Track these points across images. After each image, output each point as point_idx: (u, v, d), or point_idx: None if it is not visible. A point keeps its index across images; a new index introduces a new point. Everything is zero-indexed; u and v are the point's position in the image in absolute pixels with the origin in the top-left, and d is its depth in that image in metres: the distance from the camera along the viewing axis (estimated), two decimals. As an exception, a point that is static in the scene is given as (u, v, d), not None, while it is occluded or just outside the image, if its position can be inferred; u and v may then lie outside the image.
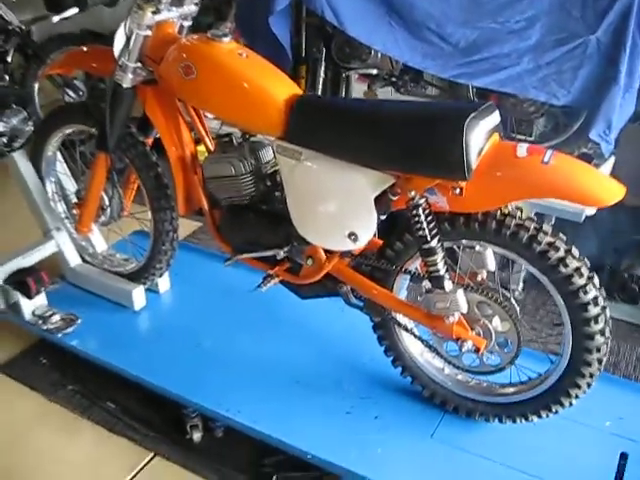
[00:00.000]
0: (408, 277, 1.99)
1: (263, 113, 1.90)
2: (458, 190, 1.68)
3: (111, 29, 5.11)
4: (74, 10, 1.74)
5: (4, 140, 3.52)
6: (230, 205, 2.14)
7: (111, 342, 2.47)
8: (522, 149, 1.64)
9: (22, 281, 2.51)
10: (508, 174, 1.64)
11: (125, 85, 2.12)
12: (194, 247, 3.12)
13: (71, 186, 2.75)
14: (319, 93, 4.14)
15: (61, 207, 2.77)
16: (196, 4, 2.12)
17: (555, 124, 3.16)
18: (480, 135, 1.61)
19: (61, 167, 2.73)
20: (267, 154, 2.12)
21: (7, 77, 3.91)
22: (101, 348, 2.44)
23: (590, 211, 2.56)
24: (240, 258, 2.18)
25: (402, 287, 2.04)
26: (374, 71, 3.16)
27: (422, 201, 1.74)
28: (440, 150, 1.62)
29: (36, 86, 4.15)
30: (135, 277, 2.63)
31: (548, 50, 2.63)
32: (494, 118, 1.67)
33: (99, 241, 2.82)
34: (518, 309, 1.90)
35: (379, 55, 3.07)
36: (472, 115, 1.59)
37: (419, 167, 1.69)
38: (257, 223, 2.10)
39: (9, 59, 3.89)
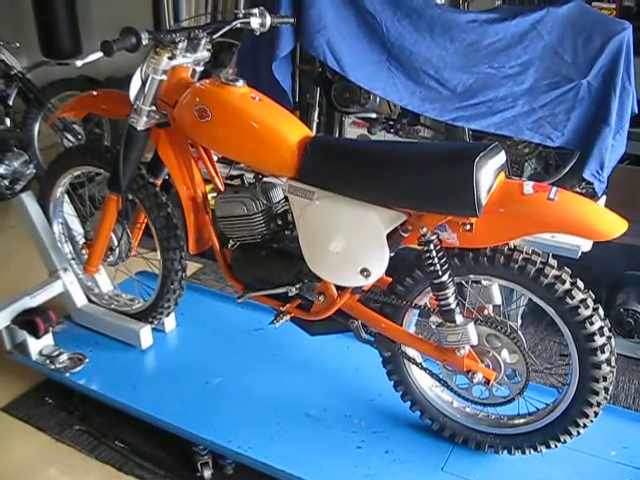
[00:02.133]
0: (417, 312, 2.04)
1: (277, 154, 1.97)
2: (468, 226, 1.75)
3: (106, 75, 5.24)
4: (98, 55, 1.80)
5: (6, 183, 3.58)
6: (241, 244, 2.20)
7: (119, 381, 2.48)
8: (528, 186, 1.72)
9: (30, 321, 2.53)
10: (516, 210, 1.72)
11: (139, 128, 2.19)
12: (199, 287, 3.16)
13: (78, 227, 2.79)
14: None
15: (68, 248, 2.80)
16: (209, 50, 2.20)
17: (546, 164, 3.26)
18: (489, 173, 1.69)
19: (68, 208, 2.77)
20: (278, 194, 2.19)
21: (8, 121, 3.99)
22: (109, 387, 2.46)
23: (586, 247, 2.64)
24: (252, 296, 2.23)
25: (411, 322, 2.09)
26: (373, 115, 3.26)
27: (433, 237, 1.81)
28: (452, 188, 1.69)
29: (36, 129, 4.23)
30: (142, 316, 2.66)
31: (542, 93, 2.75)
32: (501, 157, 1.75)
33: (105, 281, 2.85)
34: (525, 341, 1.96)
35: (378, 99, 3.17)
36: (481, 154, 1.67)
37: (431, 205, 1.76)
38: (268, 261, 2.16)
39: (10, 103, 3.98)
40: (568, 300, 1.78)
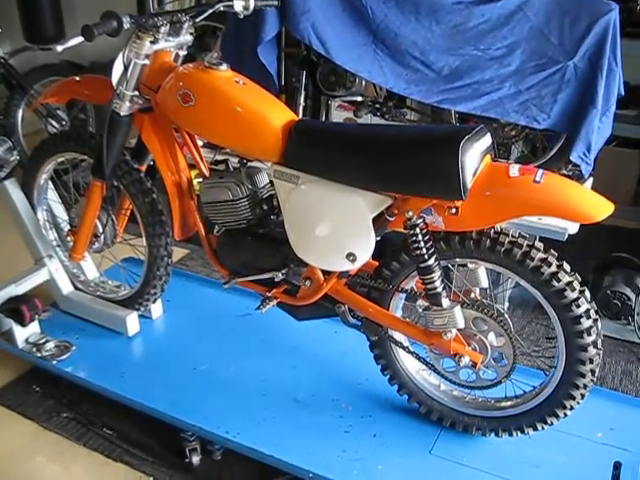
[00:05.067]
0: (404, 296, 2.04)
1: (261, 139, 1.95)
2: (454, 210, 1.75)
3: (90, 60, 5.18)
4: (78, 39, 1.78)
5: (-11, 169, 3.53)
6: (227, 229, 2.18)
7: (106, 368, 2.47)
8: (514, 169, 1.71)
9: (15, 309, 2.51)
10: (502, 193, 1.71)
11: (122, 113, 2.17)
12: (185, 273, 3.14)
13: (62, 214, 2.76)
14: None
15: (52, 235, 2.78)
16: (192, 34, 2.17)
17: (533, 147, 3.26)
18: (475, 156, 1.68)
19: (53, 195, 2.74)
20: (263, 179, 2.17)
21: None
22: (97, 374, 2.44)
23: (573, 230, 2.64)
24: (238, 281, 2.22)
25: (398, 306, 2.09)
26: (359, 98, 3.24)
27: (419, 221, 1.80)
28: (437, 171, 1.68)
29: (19, 116, 4.18)
30: (129, 303, 2.65)
31: (528, 75, 2.73)
32: (487, 140, 1.74)
33: (90, 268, 2.83)
34: (512, 324, 1.96)
35: (363, 82, 3.15)
36: (467, 137, 1.66)
37: (416, 188, 1.75)
38: (254, 247, 2.15)
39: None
40: (554, 283, 1.78)
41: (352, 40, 2.85)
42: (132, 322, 2.62)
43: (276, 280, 2.13)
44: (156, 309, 2.75)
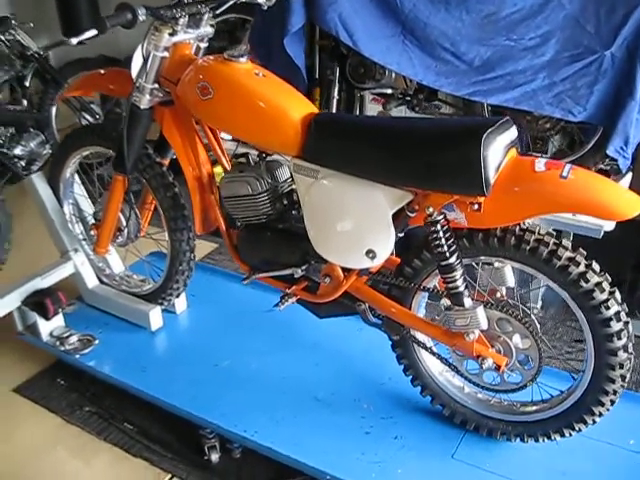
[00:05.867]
0: (426, 295, 1.98)
1: (280, 132, 1.90)
2: (476, 206, 1.67)
3: (127, 54, 5.20)
4: (92, 32, 1.75)
5: (22, 163, 3.57)
6: (247, 224, 2.14)
7: (128, 363, 2.47)
8: (540, 164, 1.63)
9: (40, 302, 2.52)
10: (527, 189, 1.63)
11: (142, 106, 2.14)
12: (211, 268, 3.12)
13: (88, 208, 2.76)
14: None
15: (78, 229, 2.78)
16: (212, 26, 2.14)
17: (571, 141, 3.15)
18: (498, 150, 1.60)
19: (79, 189, 2.75)
20: (284, 173, 2.12)
21: (25, 102, 3.97)
22: (118, 369, 2.44)
23: (609, 227, 2.54)
24: (257, 277, 2.18)
25: (420, 305, 2.02)
26: (388, 90, 3.17)
27: (440, 217, 1.74)
28: (458, 166, 1.61)
29: (53, 110, 4.21)
30: (152, 298, 2.63)
31: (563, 66, 2.63)
32: (512, 133, 1.67)
33: (116, 262, 2.83)
34: (539, 326, 1.88)
35: (393, 75, 3.08)
36: (489, 130, 1.59)
37: (437, 183, 1.68)
38: (274, 242, 2.10)
39: (27, 84, 3.96)
40: (582, 284, 1.70)
41: (380, 31, 2.78)
42: (155, 317, 2.61)
43: (296, 277, 2.08)
44: (180, 304, 2.73)
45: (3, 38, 3.80)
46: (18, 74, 3.91)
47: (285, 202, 2.10)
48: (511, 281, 1.91)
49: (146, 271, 2.78)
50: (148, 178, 2.36)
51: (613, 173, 2.94)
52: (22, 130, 3.70)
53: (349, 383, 2.32)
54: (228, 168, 2.22)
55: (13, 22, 3.78)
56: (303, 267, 2.05)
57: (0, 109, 3.62)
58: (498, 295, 1.93)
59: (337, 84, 4.04)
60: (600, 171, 2.91)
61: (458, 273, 1.78)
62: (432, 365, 2.08)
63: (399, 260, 1.98)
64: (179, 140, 2.23)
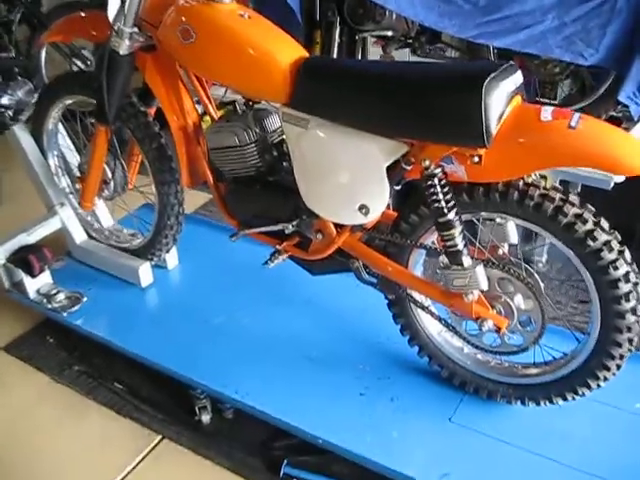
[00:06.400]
0: (424, 252, 1.87)
1: (267, 78, 1.77)
2: (477, 158, 1.55)
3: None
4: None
5: (10, 113, 3.42)
6: (235, 177, 2.03)
7: (117, 321, 2.39)
8: (547, 113, 1.50)
9: (25, 259, 2.43)
10: (531, 140, 1.50)
11: (122, 52, 2.00)
12: (203, 220, 3.01)
13: (75, 160, 2.64)
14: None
15: (65, 182, 2.67)
16: (198, -40, 1.98)
17: (581, 85, 2.98)
18: (501, 97, 1.47)
19: (64, 140, 2.62)
20: (273, 122, 1.99)
21: (12, 48, 3.81)
22: (106, 328, 2.37)
23: (619, 178, 2.40)
24: (247, 233, 2.08)
25: (417, 262, 1.91)
26: (389, 33, 3.00)
27: (438, 171, 1.61)
28: (457, 115, 1.48)
29: (43, 56, 4.04)
30: (141, 253, 2.54)
31: (574, 6, 2.44)
32: (516, 78, 1.53)
33: (105, 216, 2.73)
34: (542, 285, 1.77)
35: (394, 16, 2.90)
36: (492, 75, 1.45)
37: (434, 134, 1.55)
38: (264, 196, 1.99)
39: (13, 29, 3.79)
40: (589, 242, 1.58)
41: (379, -32, 2.60)
42: (145, 273, 2.52)
43: (287, 232, 1.97)
44: (171, 259, 2.64)
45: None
46: (3, 19, 3.75)
47: (275, 153, 1.98)
48: (514, 238, 1.80)
49: (137, 225, 2.68)
50: (132, 128, 2.24)
51: (625, 120, 2.80)
52: (9, 78, 3.55)
53: (344, 342, 2.24)
54: (216, 117, 2.10)
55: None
56: (294, 222, 1.94)
57: (-16, 56, 3.48)
58: (500, 252, 1.82)
59: (338, 27, 3.86)
60: (611, 119, 2.76)
61: (457, 230, 1.66)
62: (430, 325, 1.98)
63: (396, 214, 1.87)
64: (163, 88, 2.10)
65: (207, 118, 2.13)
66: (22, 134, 2.57)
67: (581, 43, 2.48)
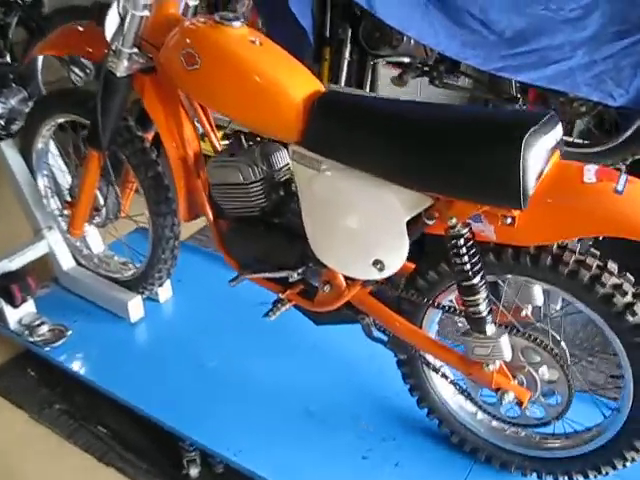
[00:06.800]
0: (440, 312, 1.70)
1: (277, 113, 1.60)
2: (510, 220, 1.39)
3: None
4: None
5: (1, 122, 3.24)
6: (237, 216, 1.86)
7: (102, 360, 2.22)
8: (590, 173, 1.34)
9: (6, 288, 2.26)
10: (572, 204, 1.34)
11: (119, 74, 1.84)
12: (200, 249, 2.83)
13: (66, 182, 2.47)
14: (343, 78, 3.85)
15: (54, 204, 2.50)
16: (204, -20, 1.83)
17: (599, 121, 2.83)
18: (541, 154, 1.31)
19: (54, 160, 2.45)
20: (282, 158, 1.83)
21: (7, 53, 3.63)
22: (91, 366, 2.20)
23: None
24: (247, 277, 1.91)
25: (433, 322, 1.75)
26: (406, 59, 2.84)
27: (465, 231, 1.45)
28: (491, 172, 1.32)
29: (39, 62, 3.87)
30: (132, 285, 2.37)
31: (606, 43, 2.31)
32: (557, 132, 1.37)
33: (95, 242, 2.55)
34: (569, 356, 1.61)
35: (412, 42, 2.75)
36: (533, 129, 1.29)
37: (464, 190, 1.38)
38: (268, 239, 1.82)
39: (10, 34, 3.62)
40: (629, 317, 1.42)
41: (399, -8, 2.45)
42: (135, 307, 2.35)
43: (291, 280, 1.81)
44: (164, 291, 2.47)
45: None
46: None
47: (282, 193, 1.82)
48: (540, 299, 1.64)
49: (128, 252, 2.51)
50: (128, 155, 2.07)
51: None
52: (2, 85, 3.39)
53: (348, 395, 2.07)
54: (219, 148, 1.93)
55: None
56: (300, 270, 1.78)
57: (-23, 62, 3.31)
58: (523, 314, 1.66)
59: (349, 45, 3.72)
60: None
61: (482, 296, 1.50)
62: (442, 388, 1.82)
63: (412, 266, 1.70)
64: (162, 114, 1.93)
65: (209, 148, 1.97)
66: (10, 152, 2.40)
67: (611, 82, 2.34)
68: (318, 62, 3.96)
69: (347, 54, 3.79)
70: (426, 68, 2.83)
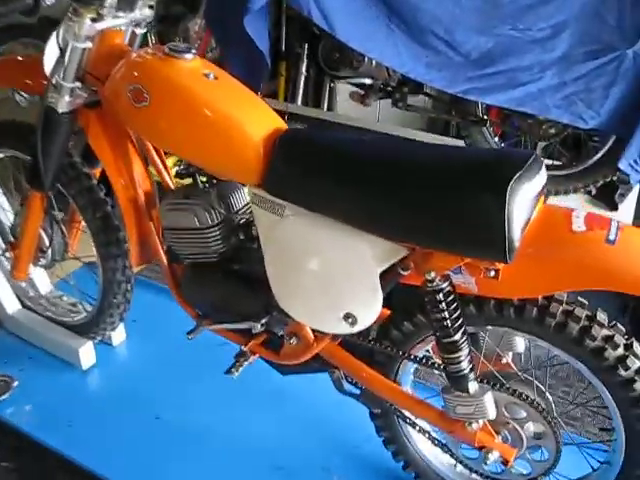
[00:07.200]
0: (416, 365, 1.58)
1: (234, 153, 1.47)
2: (493, 272, 1.27)
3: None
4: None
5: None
6: (194, 262, 1.71)
7: (51, 415, 2.04)
8: (579, 220, 1.23)
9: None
10: (561, 255, 1.23)
11: (61, 110, 1.68)
12: (156, 285, 2.65)
13: (7, 220, 2.27)
14: (300, 94, 3.73)
15: (-3, 242, 2.31)
16: (151, 7, 1.67)
17: (563, 140, 2.74)
18: (527, 202, 1.18)
19: (-5, 196, 2.27)
20: (241, 198, 1.69)
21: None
22: (39, 422, 2.02)
23: None
24: (206, 328, 1.76)
25: (408, 373, 1.63)
26: (367, 80, 2.72)
27: (444, 285, 1.33)
28: (473, 222, 1.19)
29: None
30: (83, 331, 2.20)
31: (576, 64, 2.23)
32: (542, 176, 1.25)
33: (42, 281, 2.37)
34: (555, 408, 1.50)
35: (373, 62, 2.63)
36: (518, 174, 1.17)
37: (442, 241, 1.26)
38: (227, 286, 1.68)
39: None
40: (621, 371, 1.32)
41: (361, 12, 2.32)
42: (86, 354, 2.18)
43: (254, 332, 1.67)
44: (117, 334, 2.30)
45: None
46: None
47: (242, 236, 1.67)
48: (521, 346, 1.54)
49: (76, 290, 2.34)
50: (73, 194, 1.91)
51: (620, 183, 2.58)
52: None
53: (317, 445, 1.94)
54: (172, 187, 1.78)
55: None
56: (263, 320, 1.64)
57: None
58: (504, 361, 1.55)
59: (305, 60, 3.61)
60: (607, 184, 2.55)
61: (463, 353, 1.38)
62: (419, 441, 1.70)
63: (386, 312, 1.58)
64: (109, 150, 1.78)
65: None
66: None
67: (582, 104, 2.26)
68: (274, 78, 3.83)
69: (304, 69, 3.67)
70: (389, 89, 2.72)
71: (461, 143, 2.80)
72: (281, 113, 3.42)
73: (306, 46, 3.47)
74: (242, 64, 2.55)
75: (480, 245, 1.21)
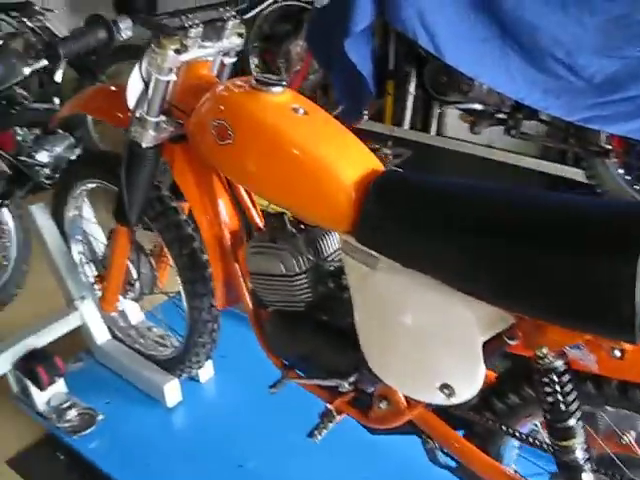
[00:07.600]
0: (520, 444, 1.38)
1: (324, 198, 1.34)
2: (618, 352, 1.07)
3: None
4: (42, 63, 1.26)
5: (46, 171, 3.07)
6: (280, 309, 1.59)
7: (132, 454, 1.99)
8: None
9: (32, 371, 2.06)
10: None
11: (145, 144, 1.60)
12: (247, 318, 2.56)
13: (100, 250, 2.25)
14: (408, 116, 3.56)
15: (90, 271, 2.29)
16: (241, 35, 1.57)
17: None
18: (662, 273, 0.98)
19: (88, 226, 2.24)
20: (331, 244, 1.56)
21: (57, 100, 3.48)
22: (119, 461, 1.96)
23: None
24: (292, 381, 1.63)
25: (511, 448, 1.43)
26: (477, 106, 2.53)
27: (559, 363, 1.13)
28: (596, 295, 1.00)
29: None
30: (169, 367, 2.13)
31: None
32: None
33: (133, 311, 2.33)
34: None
35: (484, 86, 2.44)
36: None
37: (558, 313, 1.07)
38: (313, 339, 1.54)
39: (58, 78, 3.47)
40: None
41: (471, 34, 2.16)
42: (172, 392, 2.11)
43: (341, 390, 1.52)
44: (205, 370, 2.22)
45: (30, 24, 3.32)
46: (47, 66, 3.44)
47: (331, 285, 1.53)
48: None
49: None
50: (160, 229, 1.84)
51: None
52: (48, 132, 3.23)
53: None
54: (261, 226, 1.67)
55: (35, 7, 3.30)
56: (352, 378, 1.49)
57: (22, 107, 3.14)
58: (624, 442, 1.33)
59: (414, 79, 3.44)
60: None
61: (578, 440, 1.17)
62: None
63: (492, 376, 1.39)
64: (194, 186, 1.70)
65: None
66: (41, 216, 2.20)
67: None
68: (380, 97, 3.68)
69: (412, 88, 3.50)
70: (501, 115, 2.51)
71: (580, 173, 2.55)
72: (386, 137, 3.29)
73: (413, 74, 3.32)
74: (345, 88, 2.44)
75: (604, 322, 1.01)
